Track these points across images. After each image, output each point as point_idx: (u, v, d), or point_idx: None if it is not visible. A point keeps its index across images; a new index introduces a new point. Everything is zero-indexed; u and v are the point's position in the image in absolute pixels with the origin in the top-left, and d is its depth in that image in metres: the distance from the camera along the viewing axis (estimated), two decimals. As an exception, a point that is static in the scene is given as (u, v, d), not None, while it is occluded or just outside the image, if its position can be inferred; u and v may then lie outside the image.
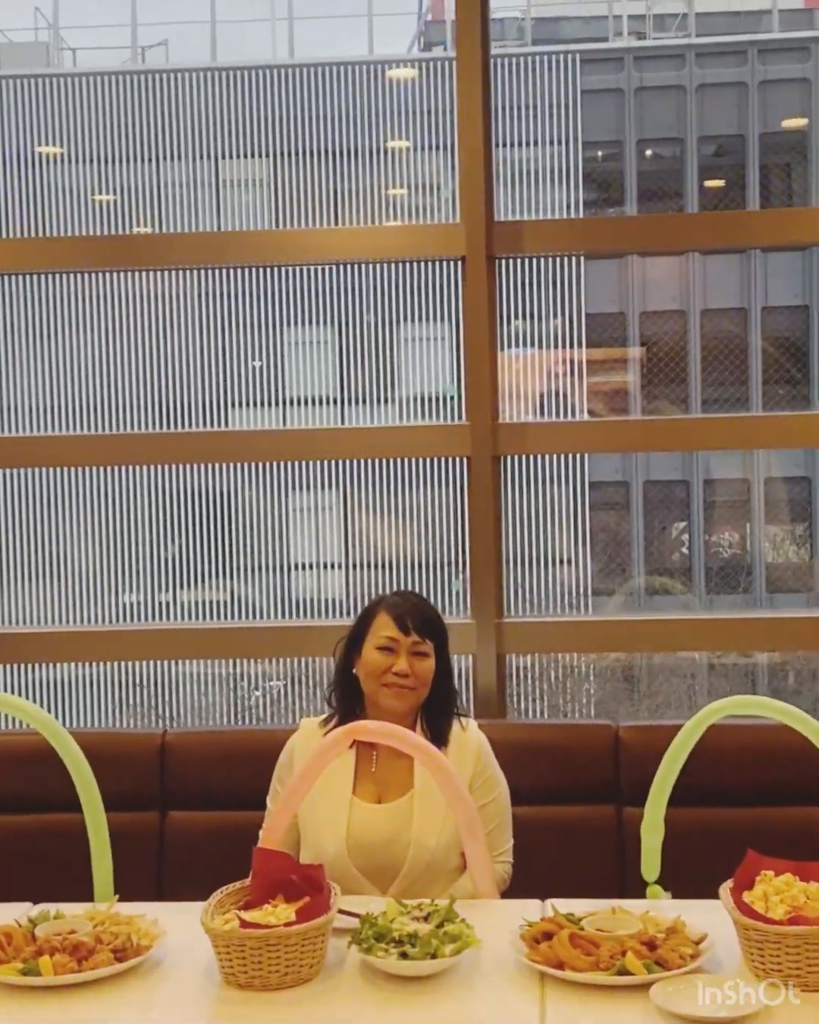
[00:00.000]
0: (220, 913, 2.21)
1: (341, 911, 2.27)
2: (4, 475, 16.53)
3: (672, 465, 17.92)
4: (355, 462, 16.79)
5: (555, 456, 16.52)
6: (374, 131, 16.96)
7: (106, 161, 16.76)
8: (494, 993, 2.10)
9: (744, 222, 3.61)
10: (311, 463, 17.22)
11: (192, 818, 3.11)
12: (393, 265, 17.34)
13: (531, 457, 16.18)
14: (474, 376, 3.32)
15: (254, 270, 17.77)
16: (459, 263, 3.42)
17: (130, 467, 17.13)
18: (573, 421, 3.16)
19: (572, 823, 3.07)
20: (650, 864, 2.53)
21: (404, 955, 2.12)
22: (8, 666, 3.70)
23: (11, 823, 3.09)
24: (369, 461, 16.34)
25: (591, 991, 2.06)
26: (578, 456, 16.94)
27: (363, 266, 17.84)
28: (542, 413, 16.41)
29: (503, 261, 3.48)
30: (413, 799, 2.65)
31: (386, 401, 17.94)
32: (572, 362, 17.22)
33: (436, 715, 2.73)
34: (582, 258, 17.56)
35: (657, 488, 18.26)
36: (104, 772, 2.83)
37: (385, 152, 17.11)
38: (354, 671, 2.75)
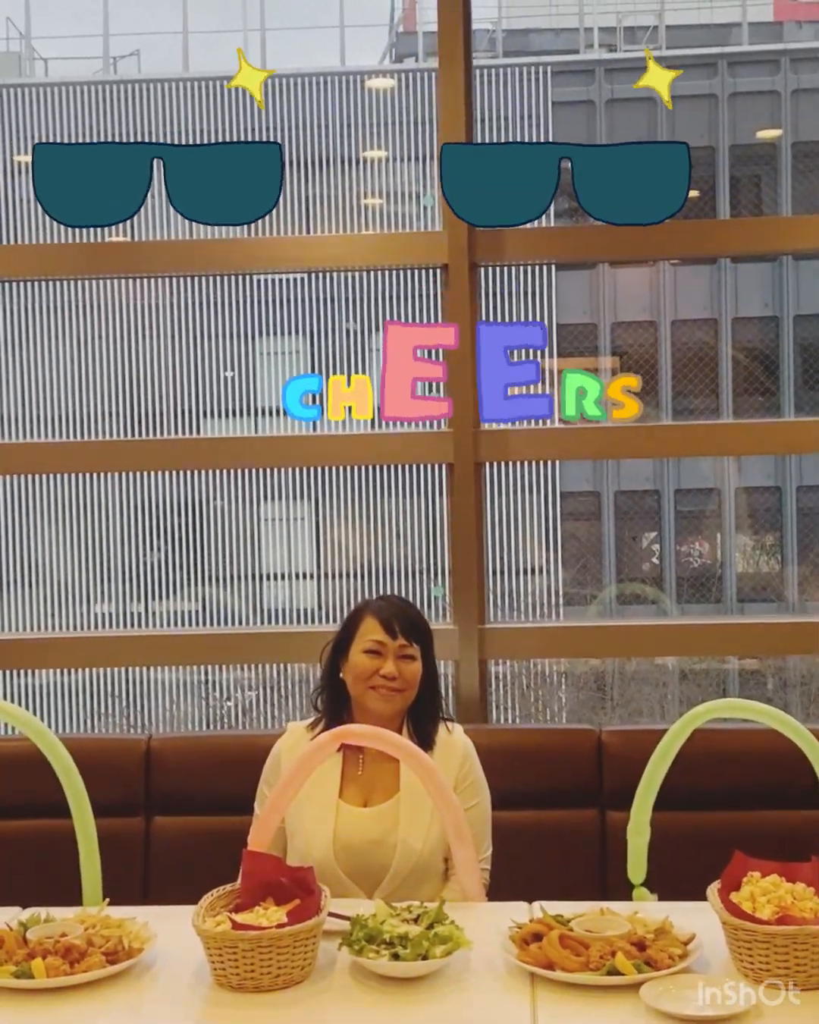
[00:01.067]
0: (211, 915, 2.22)
1: (331, 914, 2.28)
2: (-25, 484, 16.46)
3: (643, 475, 18.02)
4: (327, 472, 16.80)
5: (526, 466, 16.58)
6: (348, 141, 17.01)
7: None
8: (485, 994, 2.11)
9: (719, 231, 3.65)
10: (282, 473, 17.26)
11: (177, 823, 3.12)
12: (364, 275, 17.39)
13: (502, 467, 16.23)
14: (456, 383, 3.34)
15: (225, 279, 17.80)
16: (440, 271, 3.44)
17: (102, 477, 17.13)
18: (556, 428, 3.16)
19: (555, 827, 3.09)
20: (637, 866, 2.55)
21: (395, 956, 2.14)
22: (-18, 673, 3.72)
23: (-2, 829, 3.10)
24: (341, 470, 16.37)
25: (581, 991, 2.08)
26: (550, 466, 17.02)
27: (335, 275, 17.89)
28: (513, 423, 16.47)
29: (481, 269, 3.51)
30: (399, 803, 2.66)
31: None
32: (543, 372, 17.26)
33: (422, 718, 2.74)
34: (554, 268, 17.66)
35: (628, 498, 18.36)
36: (89, 778, 2.83)
37: (361, 162, 17.16)
38: (341, 675, 2.76)
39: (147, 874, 3.09)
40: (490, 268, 3.50)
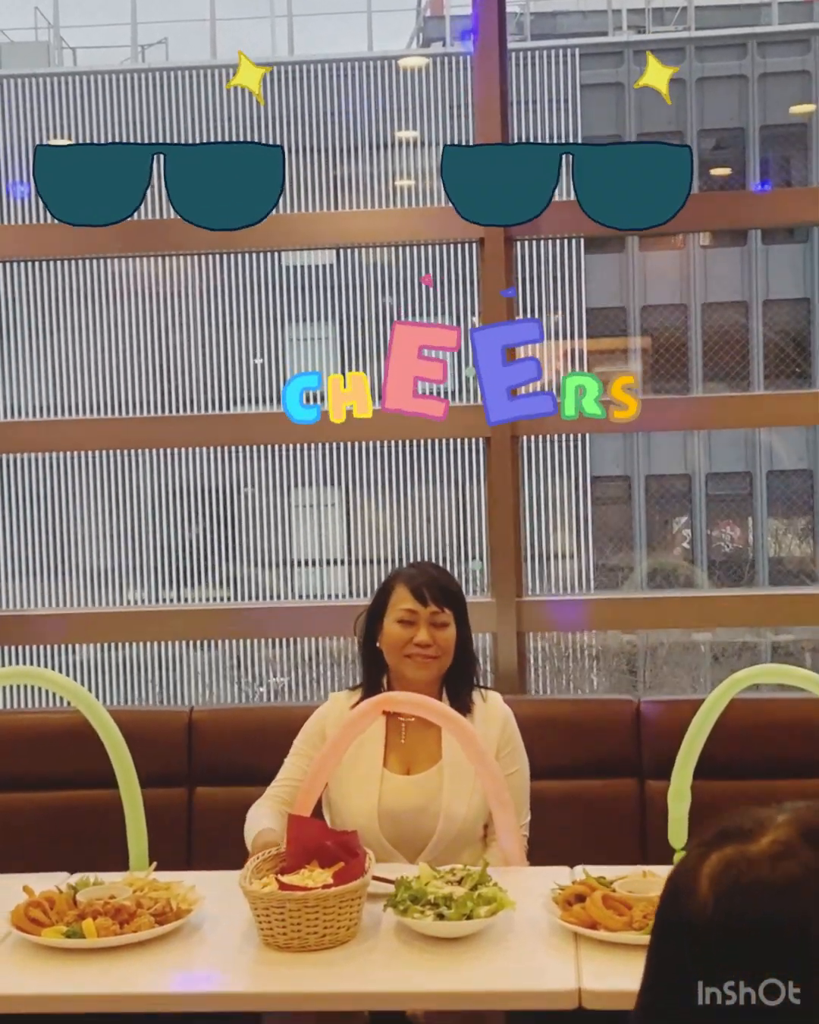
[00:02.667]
0: (257, 878, 2.25)
1: (375, 877, 2.30)
2: (11, 469, 16.63)
3: (673, 459, 18.00)
4: (357, 457, 16.85)
5: (557, 449, 16.58)
6: (379, 125, 17.01)
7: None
8: (529, 953, 2.14)
9: (749, 203, 3.59)
10: (313, 458, 17.32)
11: (219, 793, 3.15)
12: (393, 260, 17.41)
13: (532, 449, 16.23)
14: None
15: (255, 266, 17.86)
16: (476, 247, 3.45)
17: (134, 464, 17.22)
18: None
19: (595, 796, 3.11)
20: (677, 832, 2.57)
21: (440, 917, 2.16)
22: (14, 648, 3.75)
23: (45, 799, 3.13)
24: (371, 455, 16.41)
25: (625, 950, 2.09)
26: (581, 450, 17.01)
27: (364, 261, 17.92)
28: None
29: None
30: (442, 770, 2.68)
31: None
32: (573, 352, 17.28)
33: (458, 683, 2.75)
34: (583, 251, 17.63)
35: (658, 483, 18.34)
36: (133, 749, 2.88)
37: (392, 144, 17.16)
38: (377, 644, 2.78)
39: (191, 843, 3.12)
40: (524, 241, 3.49)
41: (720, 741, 2.65)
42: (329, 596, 17.18)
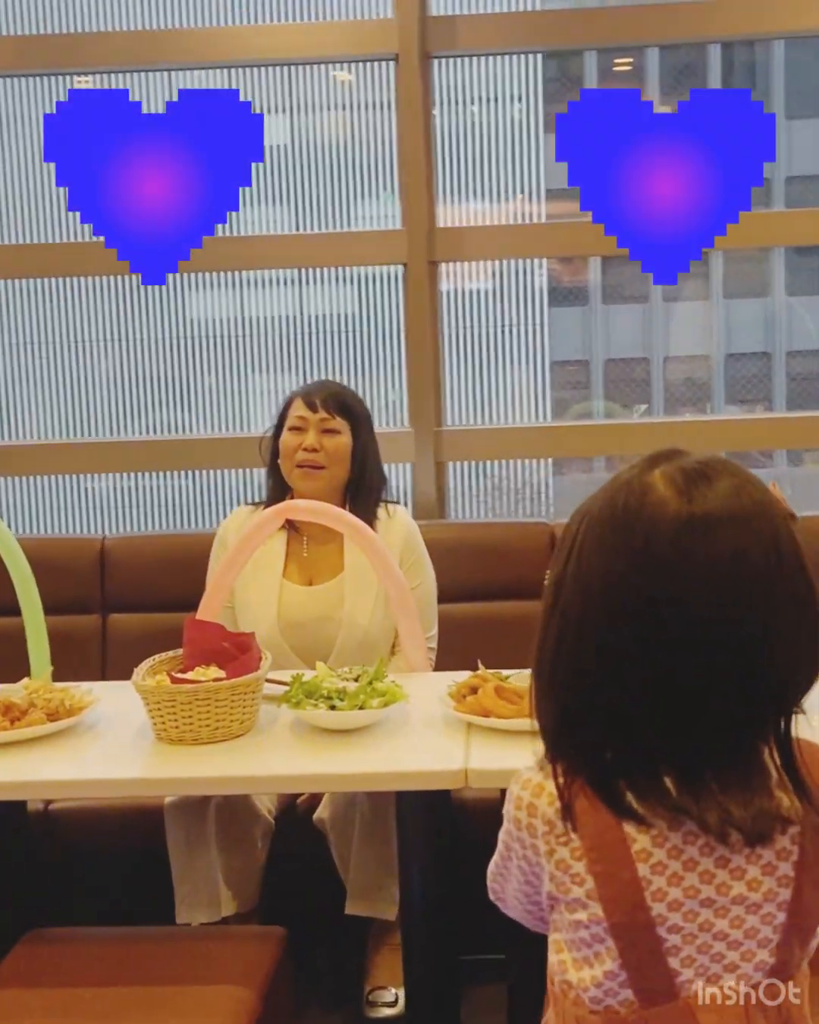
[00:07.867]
0: (152, 676, 2.24)
1: (271, 680, 2.30)
2: None
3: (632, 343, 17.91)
4: (312, 342, 16.68)
5: (518, 332, 16.44)
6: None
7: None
8: (421, 741, 2.14)
9: (707, 11, 3.39)
10: (268, 346, 17.12)
11: (132, 620, 3.14)
12: (349, 139, 17.06)
13: (486, 332, 16.10)
14: (410, 179, 3.27)
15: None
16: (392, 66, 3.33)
17: (88, 349, 16.97)
18: (513, 225, 3.04)
19: (508, 619, 3.10)
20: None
21: (333, 708, 2.16)
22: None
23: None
24: (324, 339, 16.25)
25: (515, 737, 2.10)
26: (541, 331, 16.86)
27: (317, 145, 17.53)
28: (501, 279, 16.30)
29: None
30: (343, 581, 2.67)
31: (343, 281, 17.76)
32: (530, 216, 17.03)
33: (361, 498, 2.73)
34: (541, 130, 17.31)
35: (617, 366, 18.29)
36: (47, 577, 2.84)
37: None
38: (278, 461, 2.75)
39: (105, 671, 3.11)
40: (442, 60, 3.36)
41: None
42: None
